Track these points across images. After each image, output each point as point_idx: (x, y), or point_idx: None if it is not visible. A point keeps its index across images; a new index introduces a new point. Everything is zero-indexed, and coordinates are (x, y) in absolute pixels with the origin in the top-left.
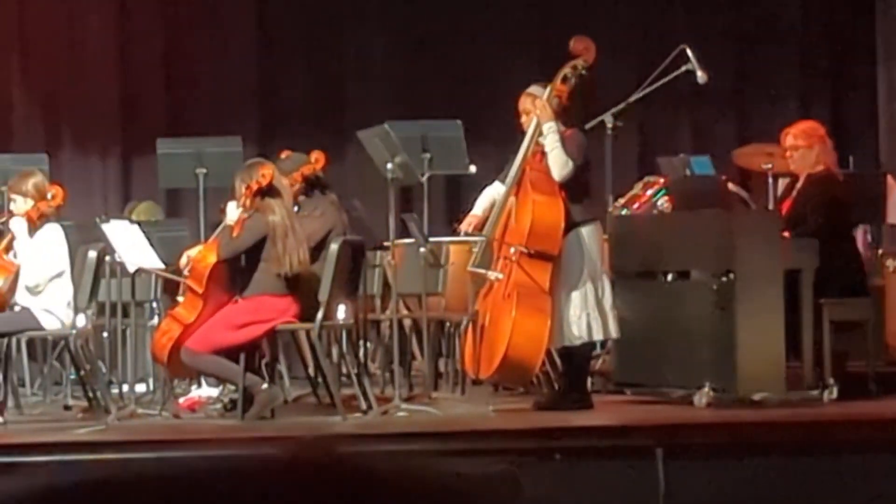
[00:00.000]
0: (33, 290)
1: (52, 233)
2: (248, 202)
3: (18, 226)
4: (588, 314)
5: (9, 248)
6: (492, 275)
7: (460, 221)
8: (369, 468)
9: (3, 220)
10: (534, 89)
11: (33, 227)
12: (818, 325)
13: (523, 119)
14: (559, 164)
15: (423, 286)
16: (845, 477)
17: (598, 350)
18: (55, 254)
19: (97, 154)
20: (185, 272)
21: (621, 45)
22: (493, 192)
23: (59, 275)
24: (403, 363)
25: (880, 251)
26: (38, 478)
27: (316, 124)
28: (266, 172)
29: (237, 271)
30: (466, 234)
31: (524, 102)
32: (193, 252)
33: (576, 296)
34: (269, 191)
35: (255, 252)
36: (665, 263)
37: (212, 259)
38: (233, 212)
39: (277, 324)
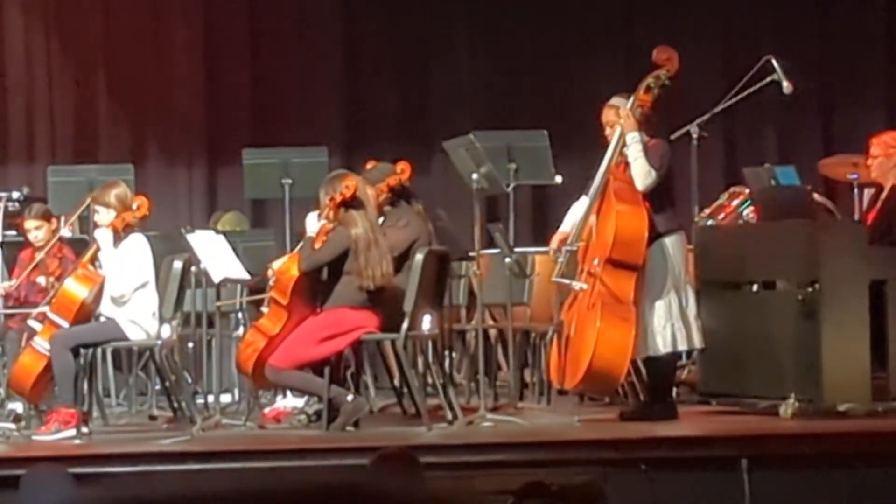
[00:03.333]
0: (118, 301)
1: (137, 243)
2: (331, 214)
3: (103, 236)
4: (672, 325)
5: (94, 258)
6: (576, 285)
7: (549, 239)
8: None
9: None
10: (616, 101)
11: (118, 237)
12: None
13: (607, 131)
14: (642, 174)
15: (508, 296)
16: None
17: (683, 360)
18: (140, 264)
19: (183, 164)
20: (271, 283)
21: (706, 55)
22: (581, 208)
23: (144, 285)
24: (489, 373)
25: None
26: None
27: (402, 134)
28: (349, 184)
29: (320, 283)
30: (556, 253)
31: (607, 114)
32: (278, 264)
33: (660, 306)
34: (353, 203)
35: (337, 264)
36: (750, 274)
37: (296, 271)
38: (312, 223)
39: (358, 336)
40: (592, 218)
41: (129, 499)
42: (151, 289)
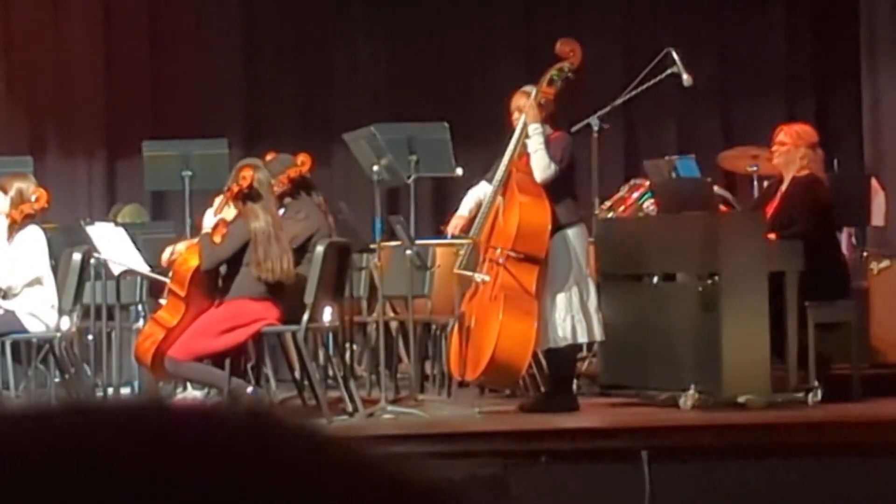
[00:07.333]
0: (8, 294)
1: (32, 236)
2: (229, 204)
3: None
4: (573, 316)
5: None
6: (478, 277)
7: (447, 223)
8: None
9: None
10: (529, 88)
11: (14, 228)
12: (803, 327)
13: (515, 116)
14: (541, 166)
15: (409, 288)
16: (829, 479)
17: (584, 352)
18: (33, 257)
19: (82, 156)
20: (169, 264)
21: (607, 47)
22: (479, 192)
23: (38, 279)
24: (390, 365)
25: (865, 253)
26: None
27: (302, 126)
28: (246, 175)
29: (219, 274)
30: (454, 237)
31: (518, 100)
32: (178, 246)
33: (561, 298)
34: (251, 194)
35: (237, 256)
36: (650, 266)
37: (194, 262)
38: (210, 220)
39: (259, 328)
40: (494, 209)
41: None
42: (49, 281)
